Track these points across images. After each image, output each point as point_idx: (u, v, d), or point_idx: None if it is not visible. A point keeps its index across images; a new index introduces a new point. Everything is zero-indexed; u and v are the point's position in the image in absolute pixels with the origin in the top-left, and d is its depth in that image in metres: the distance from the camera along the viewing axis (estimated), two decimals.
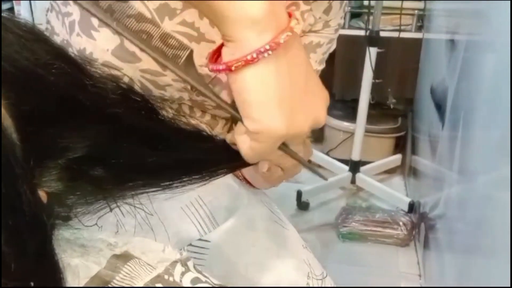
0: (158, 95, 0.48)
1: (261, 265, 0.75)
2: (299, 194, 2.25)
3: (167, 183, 0.46)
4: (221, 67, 0.46)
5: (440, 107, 1.68)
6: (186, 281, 0.44)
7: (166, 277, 0.43)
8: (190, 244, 0.73)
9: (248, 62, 0.44)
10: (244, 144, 0.49)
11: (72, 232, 0.41)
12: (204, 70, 0.55)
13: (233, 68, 0.45)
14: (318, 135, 2.64)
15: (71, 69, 0.36)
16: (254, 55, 0.44)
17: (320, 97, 0.51)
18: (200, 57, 0.58)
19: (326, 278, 0.81)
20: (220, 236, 0.74)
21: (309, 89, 0.49)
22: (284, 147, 0.51)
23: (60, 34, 0.68)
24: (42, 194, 0.35)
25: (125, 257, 0.43)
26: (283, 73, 0.46)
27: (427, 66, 2.30)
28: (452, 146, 1.41)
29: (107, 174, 0.40)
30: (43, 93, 0.34)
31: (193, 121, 0.57)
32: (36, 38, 0.35)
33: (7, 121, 0.31)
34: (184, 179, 0.48)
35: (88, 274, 0.40)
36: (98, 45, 0.64)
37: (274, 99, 0.46)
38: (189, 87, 0.62)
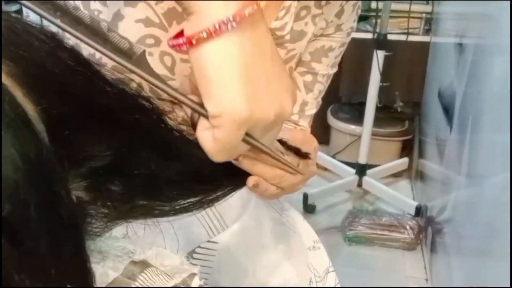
0: (167, 99, 0.47)
1: (268, 268, 0.75)
2: (305, 197, 2.25)
3: (177, 207, 0.46)
4: (181, 40, 0.42)
5: (448, 111, 1.68)
6: None
7: None
8: (198, 246, 0.73)
9: (210, 35, 0.41)
10: (207, 138, 0.45)
11: (92, 240, 0.41)
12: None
13: (194, 41, 0.41)
14: (324, 138, 2.64)
15: (93, 75, 0.37)
16: (217, 26, 0.41)
17: (286, 87, 0.47)
18: None
19: (328, 274, 0.80)
20: (228, 237, 0.74)
21: (275, 75, 0.46)
22: (249, 138, 0.47)
23: (71, 39, 0.68)
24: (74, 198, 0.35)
25: (142, 264, 0.43)
26: (247, 50, 0.43)
27: (434, 70, 2.29)
28: (460, 149, 1.41)
29: (123, 190, 0.40)
30: (71, 99, 0.34)
31: None
32: (58, 45, 0.35)
33: (40, 126, 0.31)
34: (193, 202, 0.47)
35: (105, 280, 0.39)
36: None
37: (237, 77, 0.42)
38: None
